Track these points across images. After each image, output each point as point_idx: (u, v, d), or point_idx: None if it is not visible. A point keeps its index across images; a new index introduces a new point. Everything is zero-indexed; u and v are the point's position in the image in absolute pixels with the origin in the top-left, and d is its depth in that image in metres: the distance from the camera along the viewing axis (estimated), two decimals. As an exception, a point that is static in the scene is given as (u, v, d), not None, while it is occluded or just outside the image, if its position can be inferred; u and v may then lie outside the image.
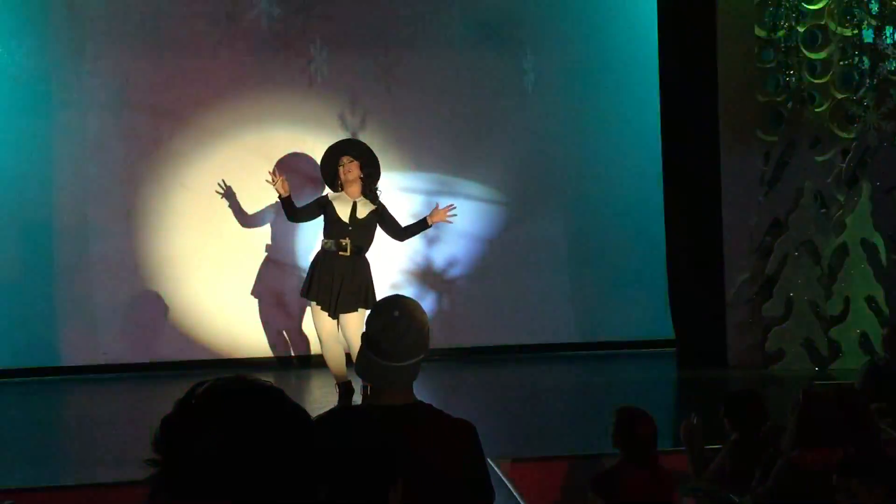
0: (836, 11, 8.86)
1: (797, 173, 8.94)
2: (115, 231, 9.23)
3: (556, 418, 7.70)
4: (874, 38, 8.88)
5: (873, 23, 8.87)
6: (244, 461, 1.41)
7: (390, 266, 9.19)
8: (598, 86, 9.78)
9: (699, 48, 8.96)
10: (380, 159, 8.02)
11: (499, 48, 9.68)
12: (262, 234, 9.39)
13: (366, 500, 2.23)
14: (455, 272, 9.70)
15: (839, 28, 8.88)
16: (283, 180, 7.87)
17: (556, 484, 5.96)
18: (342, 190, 7.76)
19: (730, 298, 9.03)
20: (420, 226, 7.96)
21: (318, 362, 8.28)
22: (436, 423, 2.95)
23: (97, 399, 8.58)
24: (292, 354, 9.45)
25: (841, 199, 8.97)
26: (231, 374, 1.52)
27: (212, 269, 9.31)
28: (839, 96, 8.91)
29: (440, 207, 7.96)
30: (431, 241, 9.53)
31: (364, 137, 8.99)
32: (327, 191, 7.99)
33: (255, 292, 9.36)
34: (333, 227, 7.69)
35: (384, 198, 7.92)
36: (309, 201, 8.04)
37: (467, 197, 9.55)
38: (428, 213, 8.00)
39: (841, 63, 8.90)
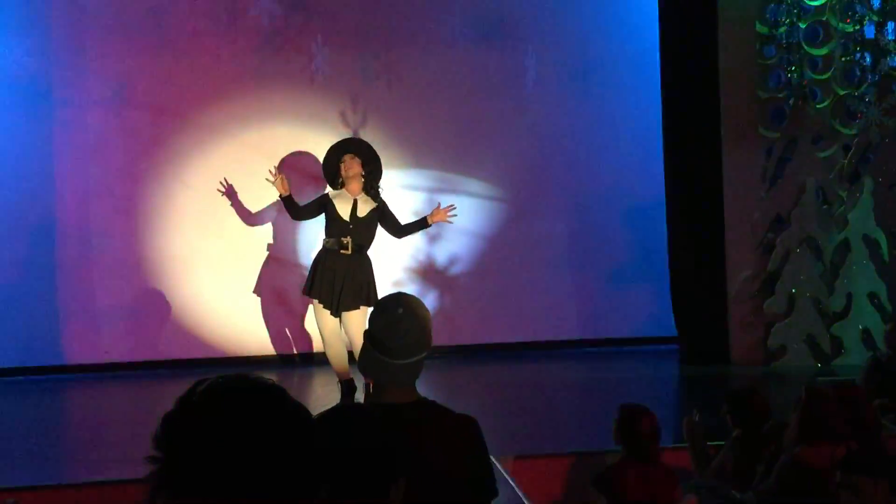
0: (837, 7, 8.84)
1: (799, 169, 8.94)
2: (116, 229, 9.23)
3: (559, 415, 7.71)
4: (876, 34, 8.87)
5: (875, 18, 8.86)
6: (245, 459, 1.41)
7: (392, 264, 9.18)
8: (599, 82, 9.78)
9: (700, 45, 8.96)
10: (381, 156, 8.03)
11: (500, 46, 9.68)
12: (264, 232, 9.39)
13: (367, 499, 2.23)
14: (457, 269, 9.69)
15: (841, 24, 8.86)
16: (282, 179, 7.87)
17: (558, 481, 5.96)
18: (343, 187, 7.76)
19: (732, 295, 9.03)
20: (420, 224, 7.97)
21: (321, 360, 8.28)
22: (439, 421, 2.94)
23: (100, 397, 8.60)
24: (294, 352, 9.46)
25: (843, 195, 8.96)
26: (233, 372, 1.53)
27: (214, 267, 9.32)
28: (841, 92, 8.90)
29: (441, 207, 7.96)
30: (433, 239, 9.53)
31: (365, 135, 9.00)
32: (329, 189, 7.99)
33: (257, 290, 9.36)
34: (335, 225, 7.70)
35: (385, 195, 7.92)
36: (311, 199, 8.04)
37: (468, 194, 9.55)
38: (429, 213, 8.01)
39: (842, 59, 8.89)
